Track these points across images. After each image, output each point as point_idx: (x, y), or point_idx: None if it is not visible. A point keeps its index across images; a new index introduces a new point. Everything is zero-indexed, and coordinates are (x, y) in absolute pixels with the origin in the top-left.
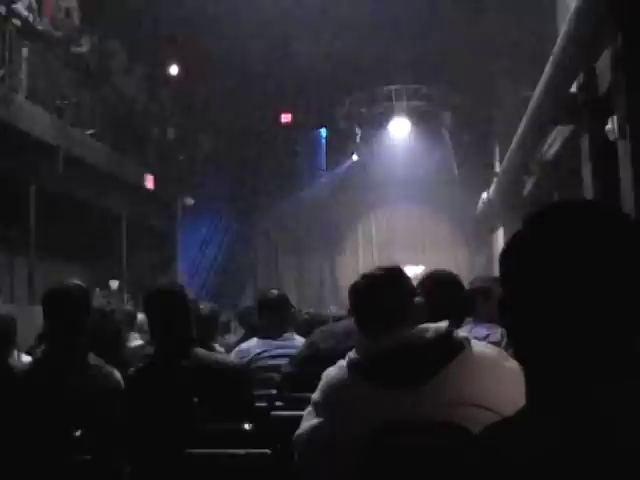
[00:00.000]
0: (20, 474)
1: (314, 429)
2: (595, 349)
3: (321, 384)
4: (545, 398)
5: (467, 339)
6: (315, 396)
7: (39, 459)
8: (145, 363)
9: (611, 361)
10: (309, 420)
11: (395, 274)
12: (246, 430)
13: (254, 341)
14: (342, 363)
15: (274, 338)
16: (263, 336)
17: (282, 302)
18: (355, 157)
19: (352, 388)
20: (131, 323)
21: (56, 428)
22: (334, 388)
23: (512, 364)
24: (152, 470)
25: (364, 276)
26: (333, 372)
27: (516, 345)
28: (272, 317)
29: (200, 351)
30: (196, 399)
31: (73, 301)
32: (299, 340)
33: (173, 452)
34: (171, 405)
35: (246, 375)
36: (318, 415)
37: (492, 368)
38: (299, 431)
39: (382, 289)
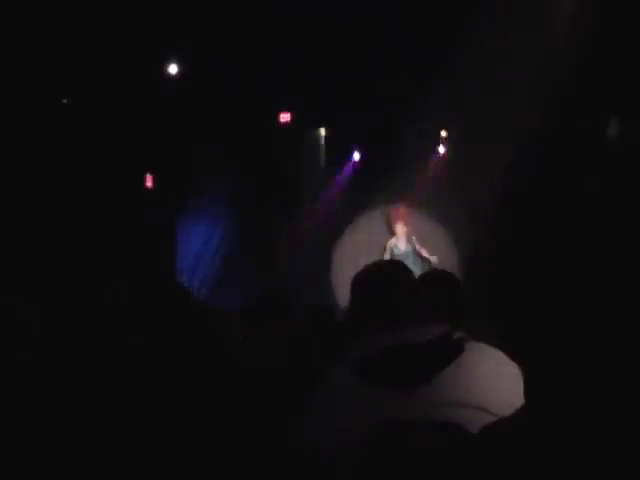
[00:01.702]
0: None
1: (312, 429)
2: (594, 350)
3: (319, 383)
4: (544, 399)
5: (466, 340)
6: (313, 395)
7: None
8: None
9: (610, 362)
10: (307, 420)
11: (400, 269)
12: None
13: None
14: (341, 362)
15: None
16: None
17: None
18: (355, 157)
19: (350, 388)
20: None
21: None
22: (332, 387)
23: (511, 365)
24: None
25: (368, 269)
26: (331, 371)
27: (515, 346)
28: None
29: None
30: None
31: None
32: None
33: None
34: None
35: None
36: (316, 415)
37: (491, 369)
38: (297, 431)
39: (387, 283)
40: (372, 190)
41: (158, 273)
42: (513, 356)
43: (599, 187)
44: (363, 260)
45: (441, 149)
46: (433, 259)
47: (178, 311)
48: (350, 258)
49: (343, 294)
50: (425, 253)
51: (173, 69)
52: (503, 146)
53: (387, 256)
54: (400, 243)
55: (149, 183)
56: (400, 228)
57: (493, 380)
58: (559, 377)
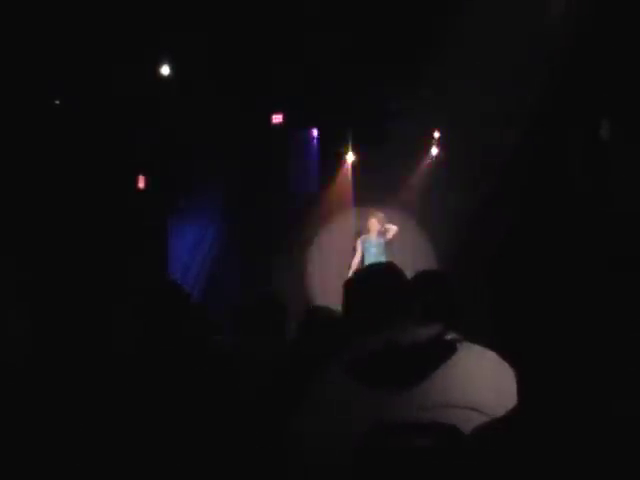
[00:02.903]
0: None
1: (307, 429)
2: (587, 350)
3: (314, 384)
4: (537, 400)
5: (460, 340)
6: (308, 395)
7: None
8: None
9: (603, 362)
10: (302, 420)
11: (394, 270)
12: None
13: None
14: (335, 362)
15: None
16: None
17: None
18: (347, 157)
19: (344, 388)
20: None
21: None
22: (327, 388)
23: (504, 366)
24: None
25: (362, 270)
26: (326, 371)
27: (510, 347)
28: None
29: None
30: None
31: None
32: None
33: None
34: None
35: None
36: (311, 415)
37: (484, 370)
38: (293, 430)
39: (381, 284)
40: (365, 191)
41: (151, 273)
42: (505, 356)
43: (591, 188)
44: (337, 260)
45: (434, 150)
46: (391, 232)
47: (175, 311)
48: (326, 258)
49: (319, 293)
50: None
51: (166, 70)
52: (493, 147)
53: (359, 250)
54: (372, 237)
55: (141, 184)
56: (373, 224)
57: (486, 381)
58: (552, 377)
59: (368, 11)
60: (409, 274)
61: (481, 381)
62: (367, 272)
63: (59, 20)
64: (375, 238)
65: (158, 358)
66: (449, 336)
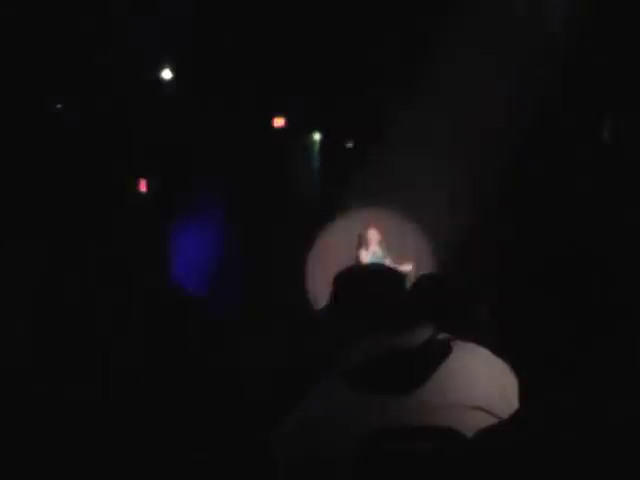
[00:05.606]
0: None
1: (303, 435)
2: (592, 353)
3: (312, 389)
4: (539, 401)
5: (454, 340)
6: (306, 401)
7: None
8: None
9: (605, 361)
10: (298, 425)
11: (394, 271)
12: None
13: None
14: (334, 367)
15: None
16: None
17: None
18: (348, 160)
19: (343, 394)
20: None
21: None
22: (324, 394)
23: (499, 362)
24: None
25: (361, 271)
26: (324, 376)
27: (511, 347)
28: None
29: None
30: None
31: None
32: None
33: None
34: None
35: None
36: (307, 421)
37: (481, 367)
38: (288, 436)
39: (382, 286)
40: (366, 194)
41: (154, 276)
42: (508, 356)
43: (592, 187)
44: (338, 262)
45: (434, 153)
46: (406, 268)
47: (177, 313)
48: (327, 260)
49: (316, 295)
50: (391, 261)
51: (167, 74)
52: (494, 149)
53: (363, 260)
54: (371, 247)
55: (143, 187)
56: (372, 234)
57: (485, 377)
58: (554, 378)
59: (369, 13)
60: (411, 278)
61: (480, 378)
62: (371, 269)
63: (60, 23)
64: (375, 249)
65: (160, 359)
66: (441, 337)
